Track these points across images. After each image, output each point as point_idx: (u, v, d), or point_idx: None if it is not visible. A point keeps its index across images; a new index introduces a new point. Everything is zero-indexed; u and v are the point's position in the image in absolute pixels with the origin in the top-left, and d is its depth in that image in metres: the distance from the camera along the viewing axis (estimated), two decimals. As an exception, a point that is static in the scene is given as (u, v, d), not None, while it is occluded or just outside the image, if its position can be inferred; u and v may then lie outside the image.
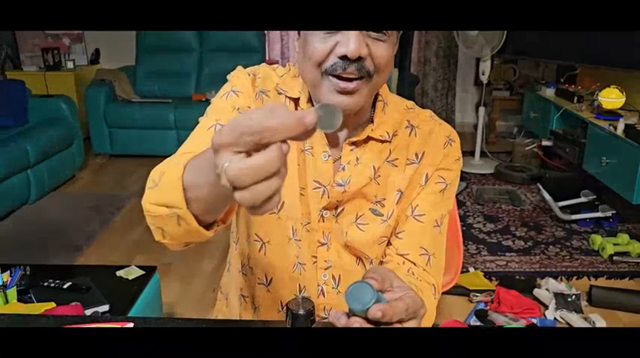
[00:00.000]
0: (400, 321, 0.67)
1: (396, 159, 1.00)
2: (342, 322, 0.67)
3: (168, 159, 0.84)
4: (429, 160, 1.01)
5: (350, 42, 0.83)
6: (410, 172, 1.00)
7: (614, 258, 2.77)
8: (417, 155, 1.01)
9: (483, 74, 4.29)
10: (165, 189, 0.73)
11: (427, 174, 1.01)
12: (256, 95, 0.99)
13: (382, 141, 0.99)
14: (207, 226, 0.74)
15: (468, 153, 4.36)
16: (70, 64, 4.95)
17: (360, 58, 0.85)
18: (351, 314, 0.68)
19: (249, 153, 0.52)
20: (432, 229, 1.01)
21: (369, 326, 0.66)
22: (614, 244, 2.84)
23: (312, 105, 0.96)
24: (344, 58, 0.85)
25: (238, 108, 0.97)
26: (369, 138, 0.98)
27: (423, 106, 1.07)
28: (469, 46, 4.26)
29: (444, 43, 5.38)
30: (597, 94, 3.28)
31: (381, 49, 0.86)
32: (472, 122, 5.52)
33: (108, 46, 5.28)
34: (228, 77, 1.02)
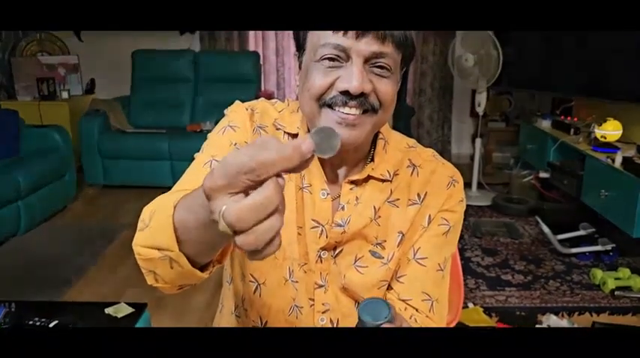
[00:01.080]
0: None
1: (398, 199, 0.96)
2: None
3: (159, 196, 0.80)
4: (431, 201, 0.96)
5: (352, 77, 0.80)
6: (412, 213, 0.96)
7: (616, 293, 2.72)
8: (419, 195, 0.97)
9: (479, 105, 4.27)
10: (155, 230, 0.69)
11: (430, 216, 0.96)
12: (254, 130, 0.96)
13: (383, 181, 0.95)
14: (202, 267, 0.70)
15: (464, 184, 4.32)
16: (64, 94, 4.92)
17: (362, 94, 0.81)
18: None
19: (246, 193, 0.48)
20: (435, 273, 0.96)
21: None
22: (616, 278, 2.79)
23: None
24: (345, 93, 0.81)
25: (235, 144, 0.93)
26: (369, 177, 0.94)
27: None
28: (465, 77, 4.27)
29: (439, 74, 5.40)
30: (594, 126, 3.27)
31: (385, 85, 0.83)
32: (468, 153, 5.52)
33: (103, 76, 5.27)
34: (225, 112, 0.98)
